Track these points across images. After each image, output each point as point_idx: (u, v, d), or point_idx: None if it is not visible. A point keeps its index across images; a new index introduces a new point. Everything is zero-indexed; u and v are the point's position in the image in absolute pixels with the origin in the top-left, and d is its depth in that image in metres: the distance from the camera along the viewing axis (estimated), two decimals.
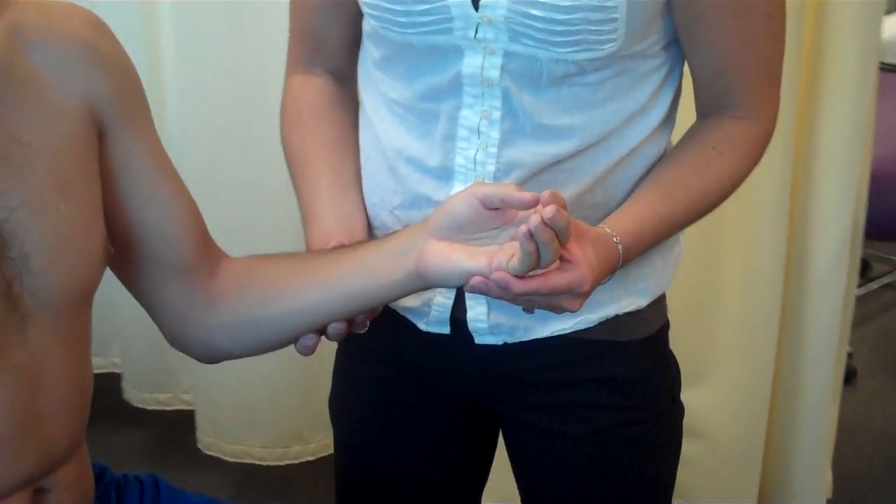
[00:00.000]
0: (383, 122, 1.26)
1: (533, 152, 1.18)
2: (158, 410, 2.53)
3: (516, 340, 1.26)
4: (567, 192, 1.18)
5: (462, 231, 1.06)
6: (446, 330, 1.27)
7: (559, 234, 0.98)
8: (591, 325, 1.25)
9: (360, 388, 1.39)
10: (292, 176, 1.32)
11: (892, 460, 2.75)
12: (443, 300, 1.25)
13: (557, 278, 1.02)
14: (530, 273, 1.01)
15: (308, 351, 1.16)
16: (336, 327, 1.15)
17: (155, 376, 2.48)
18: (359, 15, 1.29)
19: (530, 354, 1.27)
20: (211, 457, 2.39)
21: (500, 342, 1.26)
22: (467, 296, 1.24)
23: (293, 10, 1.34)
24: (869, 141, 1.97)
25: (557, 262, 1.02)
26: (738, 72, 1.19)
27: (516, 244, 1.00)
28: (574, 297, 1.05)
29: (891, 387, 2.95)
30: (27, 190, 0.97)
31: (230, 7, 2.08)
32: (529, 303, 1.06)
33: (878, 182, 2.04)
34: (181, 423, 2.54)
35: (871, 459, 2.50)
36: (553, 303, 1.05)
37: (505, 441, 1.39)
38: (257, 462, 2.33)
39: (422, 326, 1.29)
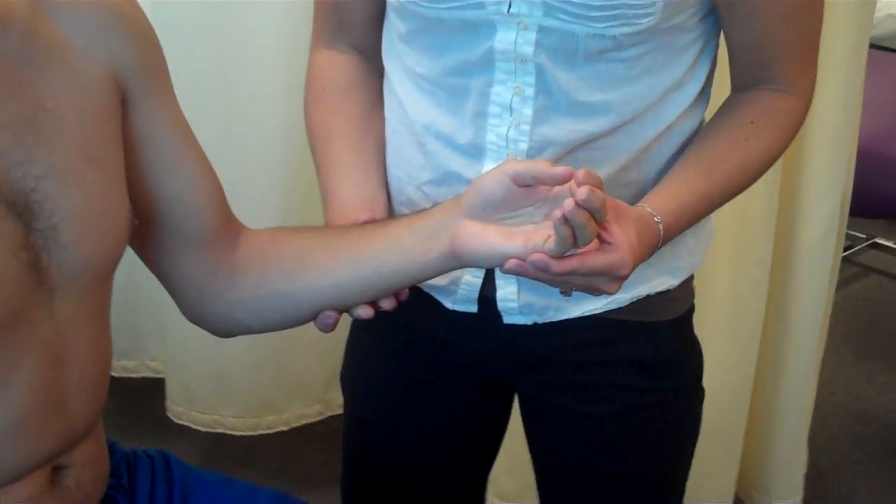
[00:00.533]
0: (410, 97, 1.23)
1: (567, 129, 1.16)
2: (124, 378, 2.47)
3: (547, 321, 1.24)
4: (602, 171, 1.16)
5: (496, 210, 1.03)
6: (474, 309, 1.25)
7: (594, 214, 0.96)
8: (622, 305, 1.24)
9: (378, 364, 1.37)
10: (314, 153, 1.28)
11: (856, 435, 2.79)
12: (471, 279, 1.23)
13: (597, 259, 1.00)
14: (568, 253, 0.99)
15: (328, 329, 1.13)
16: (360, 313, 1.12)
17: (121, 343, 2.41)
18: None
19: (559, 334, 1.25)
20: (178, 425, 2.34)
21: (530, 322, 1.24)
22: (497, 275, 1.22)
23: None
24: (857, 119, 1.97)
25: (596, 241, 1.00)
26: (778, 44, 1.17)
27: (552, 223, 0.97)
28: (613, 279, 1.03)
29: (853, 362, 2.99)
30: (54, 159, 0.93)
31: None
32: (567, 284, 1.03)
33: (863, 159, 2.04)
34: (149, 391, 2.49)
35: (837, 435, 2.54)
36: (592, 284, 1.03)
37: (525, 421, 1.38)
38: (229, 431, 2.28)
39: (448, 305, 1.26)
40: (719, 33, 1.20)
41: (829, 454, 2.55)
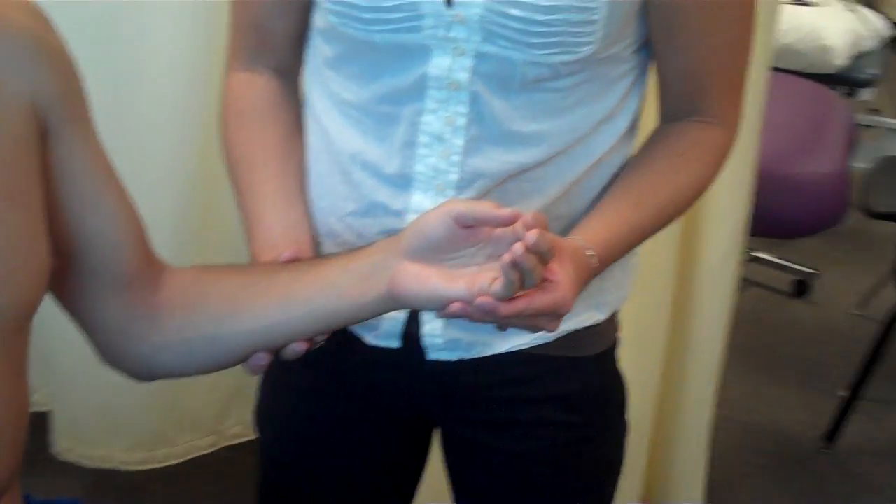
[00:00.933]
0: (335, 124, 1.18)
1: (499, 160, 1.13)
2: None
3: (473, 356, 1.20)
4: (532, 203, 1.14)
5: (436, 252, 0.99)
6: (396, 344, 1.21)
7: (542, 256, 0.93)
8: (549, 341, 1.21)
9: (295, 402, 1.32)
10: (234, 179, 1.23)
11: (747, 448, 2.84)
12: (395, 313, 1.19)
13: (541, 299, 0.97)
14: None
15: (259, 371, 1.08)
16: (295, 348, 1.07)
17: None
18: (308, 9, 1.21)
19: (485, 370, 1.22)
20: (59, 461, 2.23)
21: (456, 358, 1.21)
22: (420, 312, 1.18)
23: (237, 4, 1.25)
24: (758, 140, 1.99)
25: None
26: (709, 76, 1.17)
27: (496, 266, 0.95)
28: (555, 317, 1.00)
29: (739, 375, 3.04)
30: None
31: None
32: (507, 322, 1.00)
33: (762, 180, 2.07)
34: (31, 426, 2.36)
35: (728, 449, 2.57)
36: (533, 324, 1.00)
37: (448, 458, 1.34)
38: (119, 467, 2.19)
39: (369, 340, 1.22)
40: (649, 68, 1.19)
41: (722, 468, 2.57)
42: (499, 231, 0.97)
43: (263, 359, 1.06)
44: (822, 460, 2.83)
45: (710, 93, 1.17)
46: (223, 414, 2.25)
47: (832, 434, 2.88)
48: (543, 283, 0.97)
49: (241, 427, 2.31)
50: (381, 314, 1.06)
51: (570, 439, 1.25)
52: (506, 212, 0.94)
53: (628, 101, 1.17)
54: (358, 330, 1.21)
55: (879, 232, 3.87)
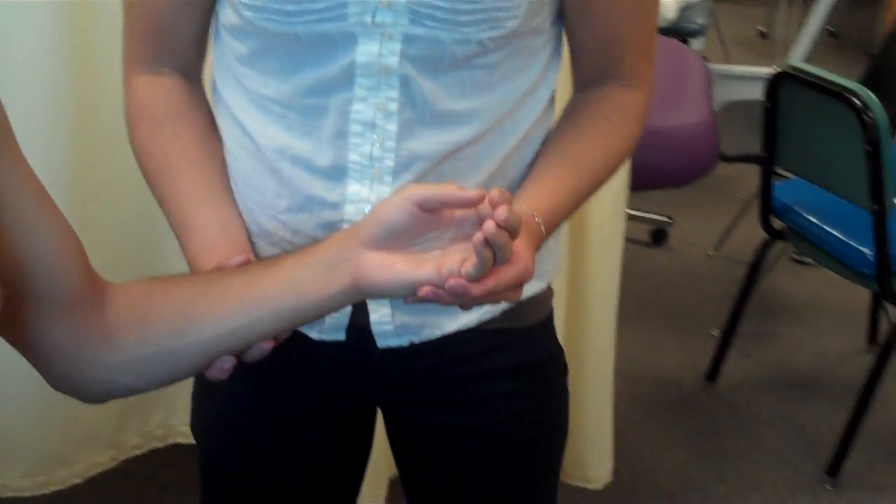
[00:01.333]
0: (255, 122, 1.16)
1: (434, 142, 1.12)
2: None
3: (423, 339, 1.20)
4: (468, 181, 1.14)
5: (399, 239, 0.98)
6: (342, 337, 1.19)
7: (512, 232, 0.93)
8: (496, 315, 1.21)
9: (234, 407, 1.28)
10: (156, 186, 1.18)
11: (630, 396, 2.92)
12: None
13: (508, 273, 0.96)
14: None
15: (224, 375, 1.04)
16: (262, 347, 1.04)
17: None
18: (211, 8, 1.18)
19: (435, 351, 1.21)
20: None
21: (406, 343, 1.20)
22: (368, 299, 1.16)
23: (135, 3, 1.19)
24: None
25: None
26: (623, 41, 1.18)
27: (462, 247, 0.95)
28: (519, 286, 1.00)
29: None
30: None
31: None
32: (476, 302, 0.99)
33: None
34: None
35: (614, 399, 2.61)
36: (498, 298, 0.99)
37: (395, 443, 1.33)
38: (16, 494, 2.10)
39: (313, 335, 1.20)
40: (562, 39, 1.20)
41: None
42: (461, 212, 0.97)
43: (228, 362, 1.03)
44: (707, 399, 2.94)
45: (625, 57, 1.19)
46: (121, 426, 2.18)
47: (713, 373, 2.99)
48: None
49: (139, 438, 2.25)
50: (345, 306, 1.05)
51: (522, 408, 1.26)
52: (472, 193, 0.93)
53: (548, 71, 1.19)
54: (301, 327, 1.19)
55: (724, 175, 4.03)
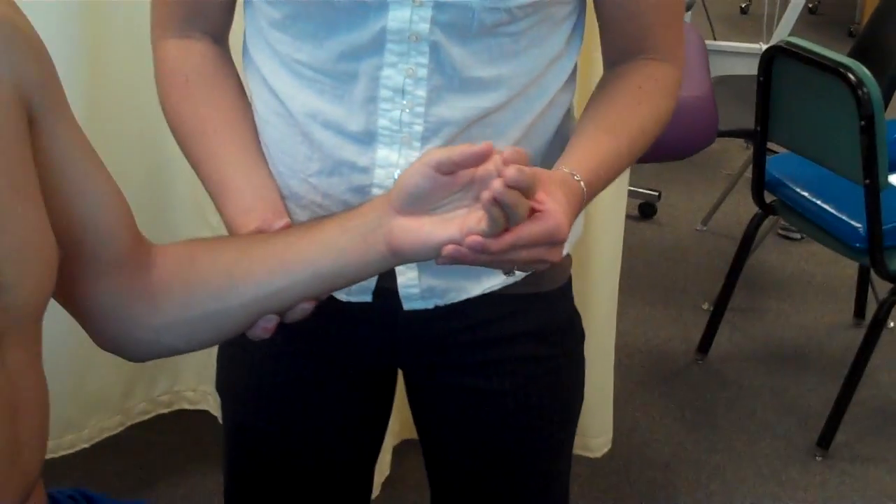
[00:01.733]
0: (287, 86, 1.17)
1: (462, 107, 1.14)
2: None
3: (448, 302, 1.22)
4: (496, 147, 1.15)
5: (424, 202, 1.00)
6: (368, 298, 1.22)
7: (525, 192, 0.94)
8: (517, 279, 1.23)
9: (262, 368, 1.31)
10: (189, 149, 1.20)
11: (623, 368, 2.96)
12: None
13: (533, 228, 0.98)
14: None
15: (268, 334, 1.08)
16: (303, 308, 1.07)
17: None
18: None
19: (459, 315, 1.24)
20: None
21: (432, 306, 1.22)
22: None
23: None
24: None
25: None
26: (652, 14, 1.20)
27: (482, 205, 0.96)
28: (553, 245, 1.01)
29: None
30: None
31: None
32: (509, 262, 1.01)
33: None
34: None
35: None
36: (534, 256, 1.00)
37: (416, 405, 1.36)
38: None
39: (342, 297, 1.22)
40: (585, 9, 1.22)
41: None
42: (481, 170, 0.98)
43: (271, 321, 1.06)
44: (698, 371, 2.98)
45: (652, 30, 1.20)
46: (128, 392, 2.21)
47: (704, 346, 3.03)
48: (534, 213, 0.98)
49: (146, 404, 2.27)
50: (384, 270, 1.07)
51: (541, 371, 1.29)
52: (477, 148, 0.95)
53: (572, 41, 1.21)
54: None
55: (710, 150, 4.06)
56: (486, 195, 0.92)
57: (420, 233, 1.00)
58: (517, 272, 1.06)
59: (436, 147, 1.13)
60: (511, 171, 0.91)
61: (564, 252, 1.28)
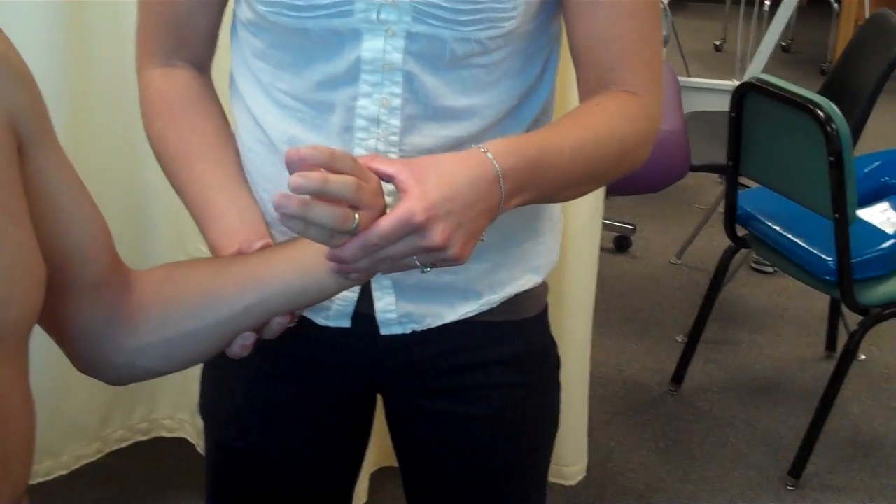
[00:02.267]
0: (269, 114, 1.21)
1: (435, 136, 1.17)
2: None
3: (425, 328, 1.25)
4: None
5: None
6: (347, 323, 1.24)
7: (332, 194, 0.91)
8: (494, 307, 1.26)
9: (244, 390, 1.33)
10: (173, 175, 1.23)
11: (598, 398, 2.98)
12: (347, 293, 1.22)
13: (380, 224, 0.94)
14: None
15: (246, 352, 1.09)
16: (280, 322, 1.08)
17: None
18: (226, 2, 1.23)
19: (435, 341, 1.26)
20: None
21: (409, 331, 1.25)
22: (374, 287, 1.22)
23: (149, 3, 1.25)
24: None
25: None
26: (622, 41, 1.18)
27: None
28: (420, 232, 0.95)
29: None
30: None
31: None
32: (400, 263, 0.99)
33: None
34: None
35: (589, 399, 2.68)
36: (408, 250, 0.97)
37: (394, 428, 1.38)
38: None
39: (320, 321, 1.25)
40: (560, 43, 1.24)
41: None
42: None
43: (249, 338, 1.08)
44: (672, 402, 3.01)
45: (623, 59, 1.18)
46: (106, 419, 2.22)
47: (679, 377, 3.06)
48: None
49: (124, 431, 2.28)
50: (345, 289, 1.08)
51: (517, 398, 1.31)
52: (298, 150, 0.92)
53: (546, 73, 1.23)
54: (308, 313, 1.24)
55: (683, 185, 4.12)
56: (276, 215, 0.93)
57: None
58: (429, 269, 1.01)
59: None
60: (292, 179, 0.90)
61: (540, 279, 1.30)
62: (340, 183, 0.92)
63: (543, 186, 1.10)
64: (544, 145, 1.09)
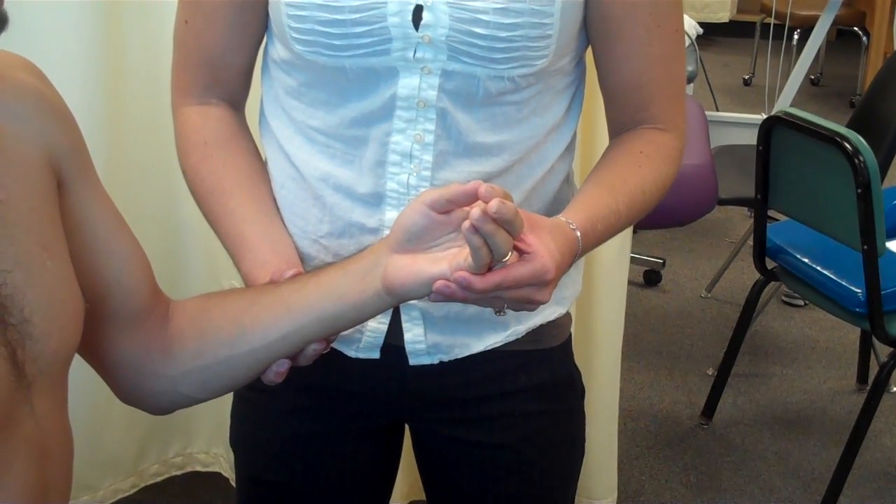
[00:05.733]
0: (301, 151, 1.24)
1: (466, 171, 1.20)
2: None
3: (453, 358, 1.27)
4: None
5: (420, 241, 1.04)
6: (376, 355, 1.27)
7: (508, 226, 0.97)
8: (520, 336, 1.29)
9: (274, 423, 1.35)
10: (208, 209, 1.26)
11: (630, 431, 2.99)
12: (376, 325, 1.25)
13: (519, 269, 1.01)
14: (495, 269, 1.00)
15: (280, 378, 1.12)
16: (315, 348, 1.11)
17: None
18: (260, 42, 1.26)
19: (462, 371, 1.28)
20: None
21: (437, 361, 1.27)
22: (403, 318, 1.24)
23: (188, 38, 1.28)
24: None
25: (517, 255, 1.02)
26: (654, 86, 1.24)
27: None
28: (541, 287, 1.03)
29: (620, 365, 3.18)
30: (17, 250, 0.90)
31: None
32: (498, 301, 1.04)
33: None
34: None
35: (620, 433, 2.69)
36: (522, 297, 1.03)
37: (421, 457, 1.40)
38: None
39: (350, 353, 1.27)
40: (585, 80, 1.28)
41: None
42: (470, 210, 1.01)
43: (284, 365, 1.10)
44: (703, 435, 3.01)
45: (654, 101, 1.25)
46: (142, 454, 2.25)
47: (710, 410, 3.06)
48: (522, 255, 1.01)
49: (159, 466, 2.31)
50: (383, 310, 1.10)
51: (542, 426, 1.33)
52: (468, 185, 0.99)
53: (572, 109, 1.27)
54: (338, 345, 1.26)
55: (713, 219, 4.13)
56: (465, 224, 0.96)
57: (412, 269, 1.03)
58: (508, 311, 1.08)
59: (431, 188, 1.18)
60: (494, 204, 0.95)
61: (564, 310, 1.33)
62: (518, 223, 0.98)
63: (598, 244, 1.20)
64: (606, 214, 1.18)
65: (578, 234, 1.12)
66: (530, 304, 1.05)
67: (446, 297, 1.01)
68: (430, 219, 1.03)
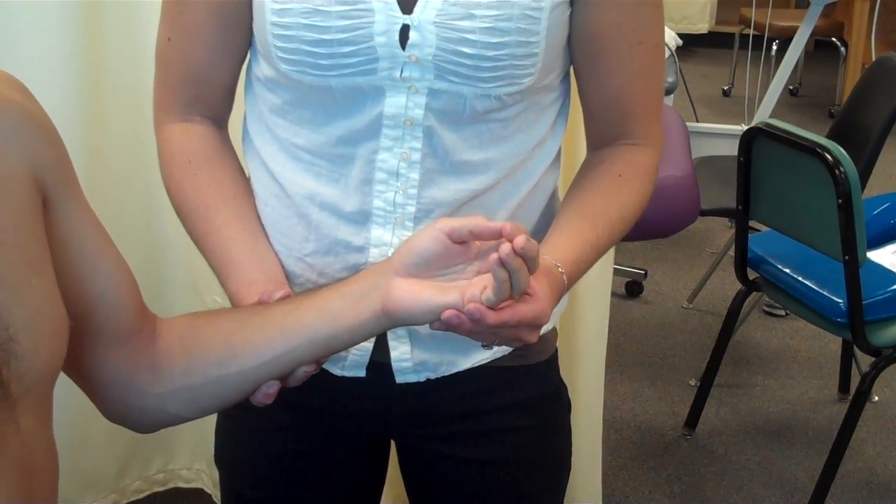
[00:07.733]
0: (286, 169, 1.23)
1: (452, 189, 1.20)
2: None
3: (439, 375, 1.26)
4: None
5: (428, 268, 1.04)
6: (362, 373, 1.26)
7: (529, 263, 0.99)
8: (506, 353, 1.28)
9: (260, 440, 1.35)
10: (191, 227, 1.25)
11: (613, 443, 2.99)
12: (364, 343, 1.23)
13: (524, 309, 1.03)
14: (501, 305, 1.01)
15: (270, 399, 1.11)
16: (305, 370, 1.10)
17: None
18: (244, 59, 1.26)
19: (448, 387, 1.28)
20: None
21: (423, 379, 1.26)
22: (389, 336, 1.24)
23: (170, 55, 1.27)
24: None
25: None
26: (634, 101, 1.25)
27: (486, 277, 1.00)
28: (533, 328, 1.06)
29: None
30: (1, 267, 0.88)
31: None
32: (492, 336, 1.06)
33: None
34: None
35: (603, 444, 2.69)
36: (515, 335, 1.06)
37: (407, 473, 1.40)
38: None
39: (336, 372, 1.27)
40: (570, 95, 1.28)
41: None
42: (485, 246, 1.03)
43: (273, 386, 1.09)
44: (686, 446, 3.01)
45: (633, 116, 1.26)
46: (123, 471, 2.23)
47: (693, 421, 3.06)
48: (523, 296, 1.03)
49: (140, 482, 2.30)
50: (377, 333, 1.10)
51: (529, 441, 1.33)
52: (496, 224, 1.00)
53: (557, 124, 1.27)
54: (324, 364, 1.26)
55: (694, 230, 4.14)
56: (493, 256, 0.96)
57: (419, 296, 1.03)
58: (495, 347, 1.10)
59: (419, 227, 1.18)
60: (521, 240, 0.96)
61: (549, 326, 1.33)
62: (537, 262, 1.00)
63: (584, 273, 1.22)
64: (589, 252, 1.20)
65: (565, 277, 1.14)
66: (518, 342, 1.07)
67: (451, 327, 1.01)
68: (444, 246, 1.02)
